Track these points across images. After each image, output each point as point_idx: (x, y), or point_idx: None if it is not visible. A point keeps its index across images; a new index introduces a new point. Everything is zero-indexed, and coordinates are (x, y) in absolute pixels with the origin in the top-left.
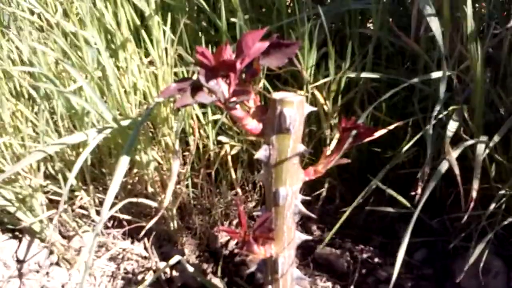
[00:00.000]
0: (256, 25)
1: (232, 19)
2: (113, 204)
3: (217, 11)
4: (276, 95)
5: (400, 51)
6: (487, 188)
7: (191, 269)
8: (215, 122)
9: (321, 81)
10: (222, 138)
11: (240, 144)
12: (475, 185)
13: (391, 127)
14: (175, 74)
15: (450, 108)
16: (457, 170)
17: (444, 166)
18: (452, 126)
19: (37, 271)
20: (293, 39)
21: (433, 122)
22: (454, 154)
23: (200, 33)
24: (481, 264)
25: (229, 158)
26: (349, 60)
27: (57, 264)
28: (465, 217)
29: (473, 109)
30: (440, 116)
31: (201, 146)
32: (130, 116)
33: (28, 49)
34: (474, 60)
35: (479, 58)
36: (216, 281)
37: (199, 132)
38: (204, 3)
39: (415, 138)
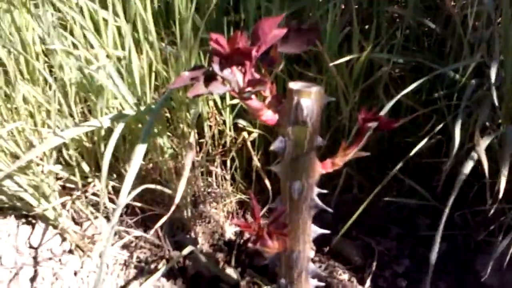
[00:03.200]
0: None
1: None
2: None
3: None
4: (293, 85)
5: (427, 34)
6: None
7: (204, 259)
8: (233, 107)
9: (342, 60)
10: (239, 121)
11: (257, 131)
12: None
13: (413, 115)
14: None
15: (479, 92)
16: (485, 162)
17: (472, 158)
18: (483, 115)
19: (50, 258)
20: (316, 18)
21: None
22: (483, 144)
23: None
24: (507, 259)
25: (249, 144)
26: (374, 40)
27: (70, 251)
28: (492, 210)
29: (502, 97)
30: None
31: (217, 132)
32: (146, 101)
33: (47, 29)
34: (509, 43)
35: None
36: (229, 270)
37: (215, 118)
38: None
39: (439, 127)
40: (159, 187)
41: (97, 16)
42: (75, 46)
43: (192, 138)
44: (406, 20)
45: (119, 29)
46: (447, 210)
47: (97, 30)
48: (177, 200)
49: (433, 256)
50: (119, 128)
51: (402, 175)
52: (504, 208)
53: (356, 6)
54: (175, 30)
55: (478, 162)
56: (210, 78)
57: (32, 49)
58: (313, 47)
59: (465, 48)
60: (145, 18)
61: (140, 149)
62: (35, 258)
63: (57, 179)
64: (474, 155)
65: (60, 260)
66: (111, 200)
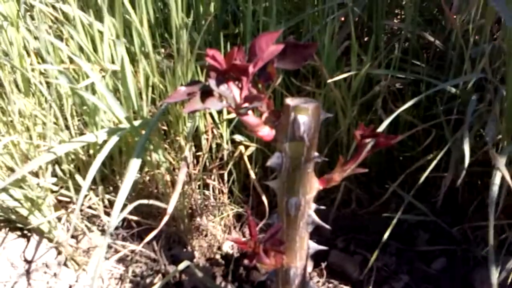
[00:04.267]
0: (279, 20)
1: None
2: (124, 206)
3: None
4: (290, 100)
5: (427, 47)
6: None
7: (200, 274)
8: (229, 121)
9: (340, 77)
10: (237, 137)
11: (254, 144)
12: None
13: (412, 131)
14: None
15: (481, 106)
16: (510, 180)
17: (497, 179)
18: (490, 133)
19: (45, 272)
20: (314, 32)
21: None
22: (502, 162)
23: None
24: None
25: (246, 158)
26: (373, 54)
27: (65, 264)
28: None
29: (503, 111)
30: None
31: (214, 145)
32: (142, 115)
33: (43, 43)
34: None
35: None
36: (226, 285)
37: (212, 131)
38: None
39: (443, 151)
40: (152, 201)
41: (92, 30)
42: (71, 60)
43: (188, 151)
44: (405, 33)
45: (115, 42)
46: None
47: (93, 43)
48: (168, 213)
49: None
50: (111, 142)
51: (400, 190)
52: (504, 225)
53: (357, 18)
54: (172, 44)
55: (478, 176)
56: (206, 93)
57: (27, 62)
58: (312, 61)
59: (466, 62)
60: (141, 32)
61: (134, 164)
62: (29, 271)
63: (53, 192)
64: (497, 175)
65: (54, 273)
66: (107, 214)
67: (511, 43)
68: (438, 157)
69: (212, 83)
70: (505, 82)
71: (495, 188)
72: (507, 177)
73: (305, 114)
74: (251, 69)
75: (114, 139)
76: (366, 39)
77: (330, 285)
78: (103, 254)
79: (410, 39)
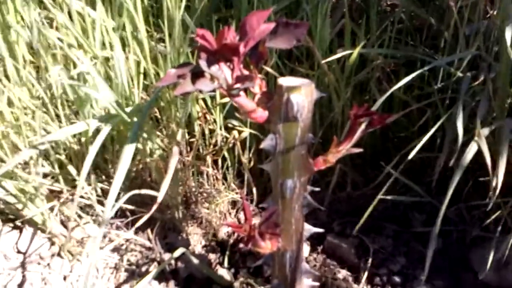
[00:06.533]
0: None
1: None
2: (118, 195)
3: None
4: (283, 80)
5: (420, 28)
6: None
7: (196, 261)
8: (223, 106)
9: (334, 57)
10: (231, 121)
11: (248, 129)
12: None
13: (406, 111)
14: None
15: (475, 84)
16: (488, 156)
17: (472, 151)
18: (482, 108)
19: (39, 263)
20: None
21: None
22: (483, 136)
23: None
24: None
25: (239, 144)
26: (367, 34)
27: (59, 255)
28: (490, 205)
29: (496, 89)
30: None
31: (207, 131)
32: (134, 101)
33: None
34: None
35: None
36: (223, 271)
37: (204, 117)
38: None
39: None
40: (145, 191)
41: (83, 13)
42: (62, 48)
43: (180, 137)
44: (399, 12)
45: (107, 28)
46: (443, 208)
47: (84, 29)
48: (159, 200)
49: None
50: (104, 131)
51: (396, 172)
52: (500, 203)
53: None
54: (164, 28)
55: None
56: (197, 75)
57: (18, 50)
58: (305, 42)
59: (460, 40)
60: (135, 16)
61: (127, 151)
62: (23, 263)
63: (45, 178)
64: (474, 146)
65: (48, 264)
66: (100, 202)
67: (504, 20)
68: (429, 135)
69: (202, 64)
70: (499, 59)
71: (465, 162)
72: (487, 155)
73: (298, 94)
74: (242, 49)
75: (106, 129)
76: (359, 22)
77: (327, 268)
78: (97, 244)
79: (404, 19)
